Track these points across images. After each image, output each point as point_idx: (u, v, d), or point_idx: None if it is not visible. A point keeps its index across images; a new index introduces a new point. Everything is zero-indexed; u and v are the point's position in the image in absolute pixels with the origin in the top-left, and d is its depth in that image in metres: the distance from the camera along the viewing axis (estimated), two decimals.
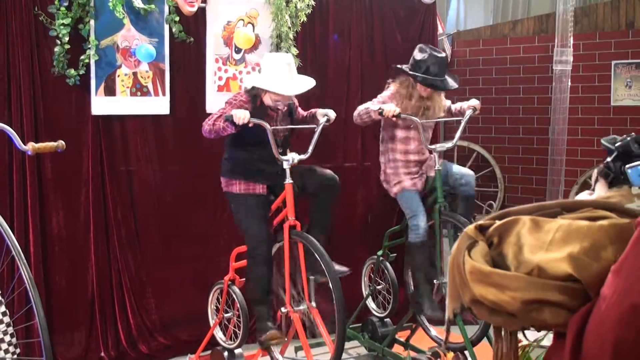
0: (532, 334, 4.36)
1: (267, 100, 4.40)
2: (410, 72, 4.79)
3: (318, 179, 4.52)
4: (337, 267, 4.32)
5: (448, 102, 5.08)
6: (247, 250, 4.45)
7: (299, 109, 4.71)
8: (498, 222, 1.95)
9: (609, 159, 2.20)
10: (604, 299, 1.64)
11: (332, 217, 4.63)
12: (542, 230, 1.87)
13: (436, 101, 4.91)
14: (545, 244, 1.83)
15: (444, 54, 4.85)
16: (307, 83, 4.46)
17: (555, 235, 1.83)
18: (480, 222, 1.99)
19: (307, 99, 5.20)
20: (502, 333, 2.04)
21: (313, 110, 4.67)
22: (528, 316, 1.82)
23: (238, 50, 5.30)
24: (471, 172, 4.93)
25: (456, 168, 4.93)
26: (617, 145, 2.19)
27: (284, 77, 4.30)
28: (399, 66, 4.90)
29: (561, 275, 1.77)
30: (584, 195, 2.25)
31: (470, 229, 1.97)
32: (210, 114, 4.58)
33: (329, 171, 4.60)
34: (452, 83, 4.82)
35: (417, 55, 4.80)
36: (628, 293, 1.58)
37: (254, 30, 5.31)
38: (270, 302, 4.42)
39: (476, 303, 1.91)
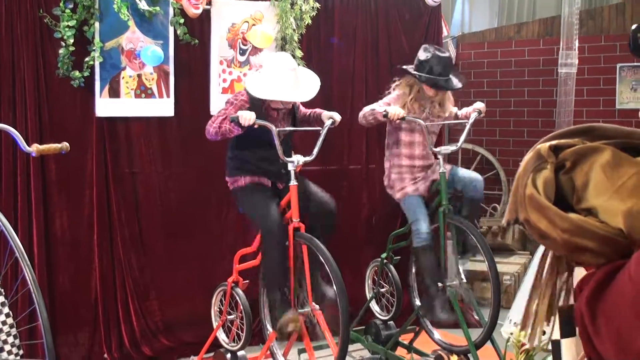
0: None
1: (269, 102, 4.40)
2: (414, 72, 4.78)
3: (314, 209, 4.47)
4: None
5: (455, 109, 5.07)
6: (260, 237, 4.41)
7: (301, 107, 4.70)
8: (577, 146, 1.82)
9: None
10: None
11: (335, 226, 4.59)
12: (617, 170, 1.75)
13: (443, 102, 4.90)
14: (613, 187, 1.73)
15: (447, 54, 4.82)
16: (313, 87, 4.45)
17: (627, 182, 1.72)
18: (555, 142, 1.86)
19: (312, 101, 5.20)
20: (548, 256, 1.99)
21: (317, 110, 4.66)
22: (571, 253, 1.78)
23: (242, 52, 5.30)
24: (480, 177, 4.90)
25: (465, 172, 4.92)
26: None
27: (288, 83, 4.29)
28: (403, 67, 4.90)
29: (613, 227, 1.70)
30: None
31: (544, 147, 1.85)
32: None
33: (326, 200, 4.53)
34: (455, 83, 4.81)
35: (421, 55, 4.80)
36: None
37: None
38: (287, 289, 4.36)
39: (529, 223, 1.85)
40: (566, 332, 2.12)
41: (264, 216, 4.33)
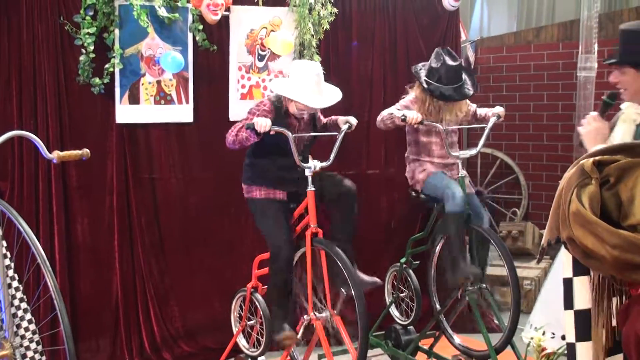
0: (557, 342, 4.33)
1: (292, 108, 4.40)
2: (423, 79, 4.78)
3: (334, 188, 4.50)
4: (366, 278, 4.33)
5: (474, 106, 5.06)
6: (269, 254, 4.45)
7: (321, 117, 4.71)
8: (620, 161, 1.81)
9: None
10: None
11: (355, 226, 4.61)
12: None
13: (457, 104, 4.88)
14: None
15: (458, 62, 4.79)
16: (335, 95, 4.45)
17: None
18: (599, 157, 1.85)
19: (331, 106, 5.21)
20: (598, 276, 1.94)
21: (334, 117, 4.66)
22: (621, 272, 1.73)
23: (261, 58, 5.32)
24: (486, 217, 4.80)
25: (476, 206, 4.80)
26: None
27: (312, 89, 4.30)
28: (415, 69, 4.90)
29: None
30: None
31: (587, 163, 1.83)
32: (233, 121, 4.60)
33: (347, 180, 4.57)
34: (465, 91, 4.79)
35: (433, 61, 4.81)
36: None
37: None
38: (289, 304, 4.42)
39: (572, 242, 1.79)
40: (581, 336, 2.10)
41: (273, 237, 4.41)
